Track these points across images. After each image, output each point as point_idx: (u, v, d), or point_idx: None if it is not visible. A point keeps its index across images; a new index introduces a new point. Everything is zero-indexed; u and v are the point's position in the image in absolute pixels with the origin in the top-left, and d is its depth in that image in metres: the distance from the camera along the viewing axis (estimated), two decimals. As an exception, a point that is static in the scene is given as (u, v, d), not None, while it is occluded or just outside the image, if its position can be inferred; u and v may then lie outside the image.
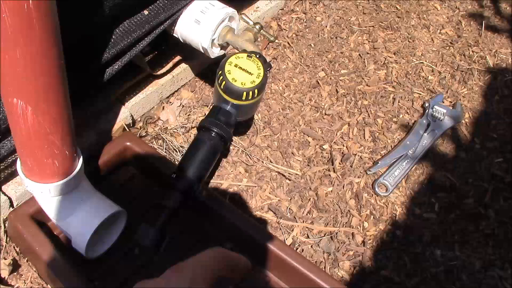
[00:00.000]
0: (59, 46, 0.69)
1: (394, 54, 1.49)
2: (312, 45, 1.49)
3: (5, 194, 0.97)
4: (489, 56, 1.52)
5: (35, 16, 0.62)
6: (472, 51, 1.53)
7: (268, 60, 1.33)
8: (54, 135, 0.77)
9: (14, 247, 0.97)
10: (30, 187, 0.86)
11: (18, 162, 0.87)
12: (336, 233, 1.08)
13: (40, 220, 0.96)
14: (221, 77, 0.94)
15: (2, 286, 0.91)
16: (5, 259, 0.95)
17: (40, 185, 0.84)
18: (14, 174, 0.98)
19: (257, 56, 0.97)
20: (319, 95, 1.35)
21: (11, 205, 0.98)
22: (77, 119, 0.84)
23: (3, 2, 0.59)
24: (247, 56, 0.97)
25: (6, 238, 0.98)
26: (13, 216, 0.94)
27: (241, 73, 0.94)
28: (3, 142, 0.88)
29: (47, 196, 0.87)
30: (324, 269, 1.02)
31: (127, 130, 1.14)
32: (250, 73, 0.95)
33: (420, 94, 1.39)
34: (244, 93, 0.93)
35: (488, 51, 1.54)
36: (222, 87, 0.94)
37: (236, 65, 0.95)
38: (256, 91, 0.94)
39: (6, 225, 0.98)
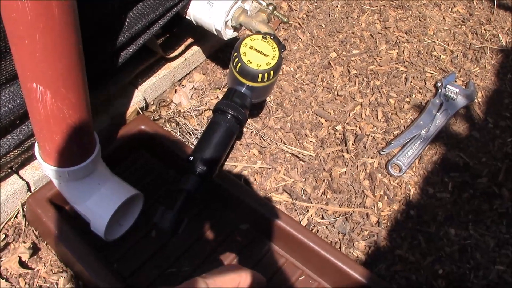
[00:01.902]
0: (78, 30, 0.69)
1: (406, 33, 1.48)
2: (323, 25, 1.48)
3: (22, 179, 0.98)
4: (501, 34, 1.51)
5: (54, 0, 0.62)
6: (484, 29, 1.52)
7: (279, 41, 1.32)
8: (73, 119, 0.77)
9: (33, 231, 0.98)
10: (48, 172, 0.87)
11: (36, 147, 0.87)
12: (351, 214, 1.08)
13: (58, 203, 0.97)
14: (236, 59, 0.93)
15: (23, 269, 0.92)
16: (24, 242, 0.96)
17: (58, 170, 0.85)
18: (31, 158, 0.99)
19: (272, 37, 0.97)
20: (331, 76, 1.35)
21: (29, 189, 0.99)
22: (92, 103, 0.84)
23: (22, -13, 0.59)
24: (262, 37, 0.96)
25: (25, 222, 0.99)
26: (31, 200, 0.95)
27: (257, 55, 0.94)
28: (21, 126, 0.89)
29: (65, 180, 0.88)
30: (339, 249, 1.03)
31: (141, 113, 1.14)
32: (265, 55, 0.94)
33: (433, 73, 1.38)
34: (260, 75, 0.93)
35: (501, 29, 1.52)
36: (237, 69, 0.93)
37: (251, 47, 0.95)
38: (271, 72, 0.94)
39: (25, 209, 0.99)
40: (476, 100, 1.33)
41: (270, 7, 1.06)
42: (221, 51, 1.34)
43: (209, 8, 1.03)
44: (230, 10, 1.04)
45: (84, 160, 0.86)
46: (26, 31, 0.63)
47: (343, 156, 1.18)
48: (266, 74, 0.93)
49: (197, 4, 1.05)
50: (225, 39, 1.09)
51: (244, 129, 1.20)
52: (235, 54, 0.94)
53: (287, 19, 1.08)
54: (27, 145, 0.94)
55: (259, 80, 0.93)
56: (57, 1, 0.62)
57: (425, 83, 1.35)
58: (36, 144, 0.86)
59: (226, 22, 1.05)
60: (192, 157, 0.91)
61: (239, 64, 0.93)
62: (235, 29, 1.10)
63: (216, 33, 1.07)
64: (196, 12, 1.06)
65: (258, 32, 0.99)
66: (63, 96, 0.73)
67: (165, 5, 0.96)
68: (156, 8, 0.96)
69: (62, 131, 0.78)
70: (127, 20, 0.93)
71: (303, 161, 1.16)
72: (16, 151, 0.93)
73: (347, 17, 1.51)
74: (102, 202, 0.90)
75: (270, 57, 0.94)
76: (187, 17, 1.08)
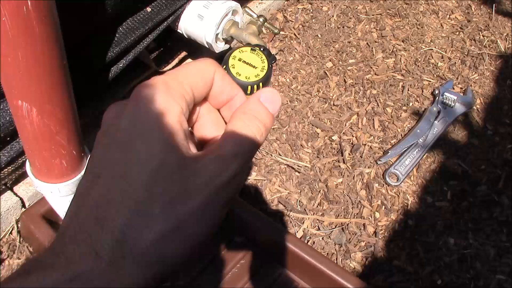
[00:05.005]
0: (61, 46, 0.69)
1: (403, 41, 1.47)
2: (319, 35, 1.48)
3: (16, 195, 0.98)
4: (500, 40, 1.49)
5: (34, 18, 0.62)
6: (483, 36, 1.50)
7: (274, 53, 1.32)
8: (61, 135, 0.77)
9: (27, 247, 0.99)
10: (40, 188, 0.87)
11: (27, 163, 0.87)
12: (347, 224, 1.07)
13: (52, 219, 0.97)
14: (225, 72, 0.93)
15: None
16: (19, 259, 0.97)
17: (50, 185, 0.85)
18: (24, 175, 0.99)
19: (261, 49, 0.96)
20: (327, 86, 1.34)
21: (23, 205, 0.99)
22: (86, 118, 0.84)
23: (2, 5, 0.59)
24: (251, 49, 0.96)
25: (19, 238, 0.99)
26: (25, 216, 0.95)
27: (245, 67, 0.93)
28: (12, 143, 0.89)
29: (57, 196, 0.88)
30: (336, 261, 1.01)
31: (135, 127, 1.14)
32: (254, 67, 0.93)
33: (430, 81, 1.37)
34: (249, 87, 0.92)
35: (499, 35, 1.51)
36: (226, 81, 0.93)
37: (240, 59, 0.94)
38: (260, 84, 0.92)
39: (19, 225, 0.99)
40: (475, 107, 1.32)
41: (261, 19, 1.07)
42: (217, 63, 1.34)
43: (200, 21, 1.03)
44: (220, 23, 1.04)
45: (75, 175, 0.86)
46: (8, 49, 0.64)
47: (340, 166, 1.17)
48: (255, 86, 0.92)
49: (188, 18, 1.05)
50: (217, 51, 1.09)
51: (239, 141, 1.20)
52: (224, 66, 0.93)
53: (278, 30, 1.08)
54: (20, 161, 0.95)
55: (248, 92, 0.92)
56: (37, 19, 0.62)
57: (422, 91, 1.34)
58: (27, 160, 0.87)
59: (217, 34, 1.06)
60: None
61: (228, 77, 0.93)
62: (227, 41, 1.10)
63: (207, 46, 1.08)
64: (187, 26, 1.06)
65: (248, 44, 0.99)
66: (49, 113, 0.73)
67: (155, 19, 0.97)
68: (146, 23, 0.96)
69: (51, 147, 0.78)
70: (116, 35, 0.94)
71: (299, 172, 1.15)
72: (9, 168, 0.93)
73: (343, 27, 1.51)
74: (93, 217, 0.90)
75: (259, 69, 0.93)
76: (178, 30, 1.09)
